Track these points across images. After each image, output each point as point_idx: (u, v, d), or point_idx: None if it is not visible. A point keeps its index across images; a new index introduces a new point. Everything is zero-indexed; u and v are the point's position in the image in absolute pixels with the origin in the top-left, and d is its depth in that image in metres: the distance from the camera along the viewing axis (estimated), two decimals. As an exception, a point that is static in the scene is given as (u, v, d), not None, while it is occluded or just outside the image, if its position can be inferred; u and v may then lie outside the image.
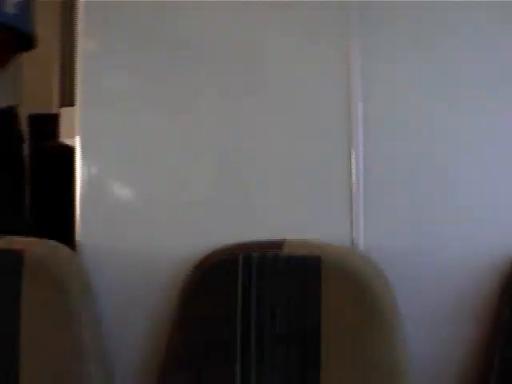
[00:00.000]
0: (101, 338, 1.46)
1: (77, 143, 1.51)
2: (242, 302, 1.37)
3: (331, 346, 1.34)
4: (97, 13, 1.51)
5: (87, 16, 1.52)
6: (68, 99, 1.57)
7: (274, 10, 1.49)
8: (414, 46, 1.49)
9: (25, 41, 2.00)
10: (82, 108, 1.52)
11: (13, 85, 2.09)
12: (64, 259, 1.45)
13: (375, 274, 1.39)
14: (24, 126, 2.17)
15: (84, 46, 1.51)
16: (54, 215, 2.15)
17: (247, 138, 1.50)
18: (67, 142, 1.57)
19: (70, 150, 1.58)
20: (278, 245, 1.41)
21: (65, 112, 1.60)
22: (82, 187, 1.51)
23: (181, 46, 1.51)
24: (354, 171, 1.47)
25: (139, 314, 1.50)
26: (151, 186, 1.52)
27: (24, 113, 2.20)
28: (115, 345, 1.48)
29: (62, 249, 1.47)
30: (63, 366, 1.39)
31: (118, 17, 1.52)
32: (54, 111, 2.78)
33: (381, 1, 1.47)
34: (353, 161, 1.47)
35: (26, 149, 2.16)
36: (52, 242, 1.47)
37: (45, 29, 2.22)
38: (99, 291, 1.47)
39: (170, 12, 1.51)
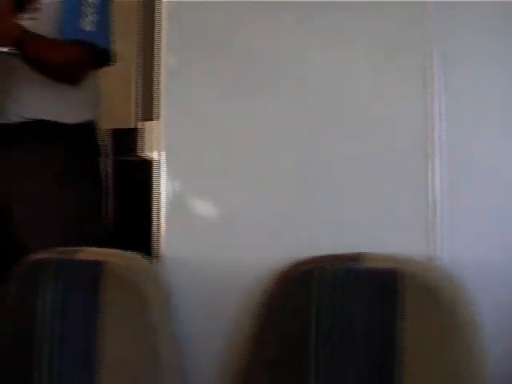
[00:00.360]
0: (178, 348, 1.47)
1: (160, 157, 1.53)
2: (317, 315, 1.36)
3: (408, 362, 1.31)
4: (179, 28, 1.53)
5: (170, 31, 1.54)
6: (148, 113, 1.59)
7: (348, 20, 1.50)
8: (499, 57, 1.47)
9: (103, 57, 2.05)
10: (165, 122, 1.54)
11: (91, 99, 2.13)
12: (143, 271, 1.47)
13: (456, 289, 1.36)
14: (105, 140, 2.21)
15: (166, 60, 1.54)
16: (135, 227, 2.18)
17: (325, 152, 1.50)
18: (148, 155, 1.59)
19: (149, 164, 1.60)
20: (354, 258, 1.40)
21: (146, 126, 1.62)
22: (164, 200, 1.53)
23: (260, 60, 1.52)
24: (433, 183, 1.45)
25: (217, 326, 1.50)
26: (231, 200, 1.53)
27: (103, 127, 2.24)
28: (192, 356, 1.49)
29: (142, 261, 1.49)
30: (140, 373, 1.41)
31: (200, 31, 1.53)
32: (132, 126, 2.85)
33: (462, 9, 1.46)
34: (433, 173, 1.45)
35: (104, 162, 2.20)
36: (132, 254, 1.50)
37: (123, 44, 2.27)
38: (178, 303, 1.49)
39: (248, 26, 1.53)
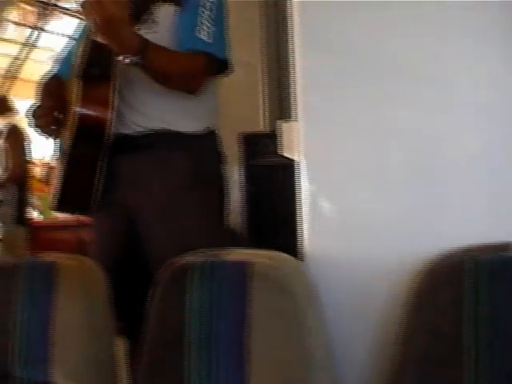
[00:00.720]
0: (327, 345, 1.47)
1: (300, 157, 1.54)
2: (469, 309, 1.33)
3: None
4: (311, 29, 1.54)
5: (301, 33, 1.55)
6: (282, 116, 1.59)
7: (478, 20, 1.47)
8: None
9: (221, 66, 2.07)
10: (303, 123, 1.55)
11: (211, 107, 2.16)
12: (292, 271, 1.48)
13: None
14: (224, 146, 2.23)
15: (301, 61, 1.54)
16: (269, 229, 2.20)
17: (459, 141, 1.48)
18: (287, 157, 1.60)
19: (281, 166, 1.61)
20: (504, 247, 1.36)
21: (283, 127, 1.63)
22: (307, 200, 1.54)
23: (390, 62, 1.51)
24: None
25: (365, 324, 1.50)
26: (370, 198, 1.53)
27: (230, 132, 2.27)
28: (341, 353, 1.50)
29: (289, 260, 1.51)
30: (291, 373, 1.42)
31: (333, 32, 1.54)
32: (260, 129, 2.88)
33: None
34: None
35: (230, 168, 2.22)
36: (279, 254, 1.51)
37: (243, 50, 2.30)
38: (325, 301, 1.49)
39: (379, 27, 1.52)
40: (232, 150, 2.68)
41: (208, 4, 2.02)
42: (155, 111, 2.04)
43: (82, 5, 1.88)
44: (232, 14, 2.12)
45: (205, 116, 2.12)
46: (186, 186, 2.02)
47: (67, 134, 1.99)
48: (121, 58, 1.91)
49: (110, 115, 1.95)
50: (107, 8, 1.84)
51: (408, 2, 1.49)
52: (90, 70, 1.98)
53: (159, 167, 2.03)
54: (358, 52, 1.53)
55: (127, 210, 2.06)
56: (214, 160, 2.14)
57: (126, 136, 2.03)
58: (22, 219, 5.15)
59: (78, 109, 1.96)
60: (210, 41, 1.99)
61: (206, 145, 2.11)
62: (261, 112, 2.98)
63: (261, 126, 2.91)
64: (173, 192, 2.01)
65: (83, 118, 1.96)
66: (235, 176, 2.53)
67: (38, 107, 2.13)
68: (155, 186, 2.03)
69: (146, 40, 1.93)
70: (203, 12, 2.01)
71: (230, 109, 2.58)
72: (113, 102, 1.95)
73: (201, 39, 1.99)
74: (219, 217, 2.11)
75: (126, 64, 1.92)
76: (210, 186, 2.08)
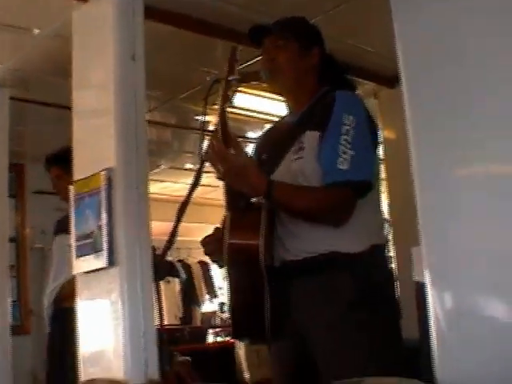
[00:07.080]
0: None
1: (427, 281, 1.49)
2: None
3: None
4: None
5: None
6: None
7: None
8: None
9: (363, 187, 2.08)
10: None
11: (372, 224, 2.13)
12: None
13: None
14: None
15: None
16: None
17: None
18: (419, 280, 1.57)
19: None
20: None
21: (415, 251, 1.61)
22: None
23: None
24: None
25: None
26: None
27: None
28: None
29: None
30: None
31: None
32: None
33: None
34: None
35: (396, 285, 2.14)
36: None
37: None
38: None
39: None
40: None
41: (345, 128, 2.05)
42: (317, 236, 2.07)
43: (205, 156, 2.04)
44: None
45: (369, 234, 2.11)
46: (352, 306, 2.01)
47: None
48: (254, 199, 2.05)
49: (260, 242, 2.03)
50: (230, 160, 1.99)
51: None
52: (238, 203, 2.10)
53: (325, 289, 2.05)
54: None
55: (299, 331, 2.09)
56: (381, 277, 2.12)
57: (292, 262, 2.09)
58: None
59: (227, 239, 2.07)
60: (347, 168, 2.02)
61: (371, 263, 2.09)
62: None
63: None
64: (340, 313, 2.02)
65: (233, 248, 2.07)
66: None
67: (208, 235, 2.26)
68: (323, 307, 2.05)
69: (270, 180, 2.03)
70: (344, 140, 2.04)
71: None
72: (263, 230, 2.04)
73: (340, 170, 2.02)
74: (389, 337, 2.07)
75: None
76: (378, 305, 2.05)
